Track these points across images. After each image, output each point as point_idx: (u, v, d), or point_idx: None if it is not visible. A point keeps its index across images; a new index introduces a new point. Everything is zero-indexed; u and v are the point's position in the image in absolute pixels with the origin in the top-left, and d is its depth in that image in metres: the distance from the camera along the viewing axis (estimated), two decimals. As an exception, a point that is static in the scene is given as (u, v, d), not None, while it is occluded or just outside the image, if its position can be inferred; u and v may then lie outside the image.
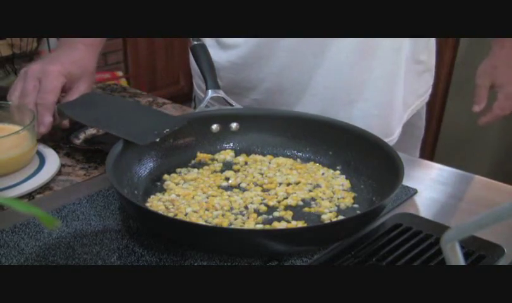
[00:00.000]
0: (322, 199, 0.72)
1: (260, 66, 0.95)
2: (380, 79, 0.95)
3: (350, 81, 0.94)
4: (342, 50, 0.91)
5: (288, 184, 0.75)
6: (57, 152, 0.84)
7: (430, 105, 1.13)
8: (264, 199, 0.72)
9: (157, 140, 0.76)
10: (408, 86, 1.00)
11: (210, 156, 0.82)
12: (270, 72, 0.95)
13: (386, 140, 0.77)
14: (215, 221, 0.66)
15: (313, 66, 0.93)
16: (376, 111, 0.96)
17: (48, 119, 0.81)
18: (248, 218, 0.68)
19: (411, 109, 1.06)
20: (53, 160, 0.81)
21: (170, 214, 0.68)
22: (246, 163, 0.81)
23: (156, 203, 0.70)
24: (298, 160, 0.82)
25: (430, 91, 1.10)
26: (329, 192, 0.73)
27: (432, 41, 1.06)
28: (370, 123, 0.91)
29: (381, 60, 0.94)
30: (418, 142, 1.14)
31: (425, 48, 1.03)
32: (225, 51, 0.97)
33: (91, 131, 0.89)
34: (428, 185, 0.79)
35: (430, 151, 2.33)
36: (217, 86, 0.89)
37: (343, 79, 0.94)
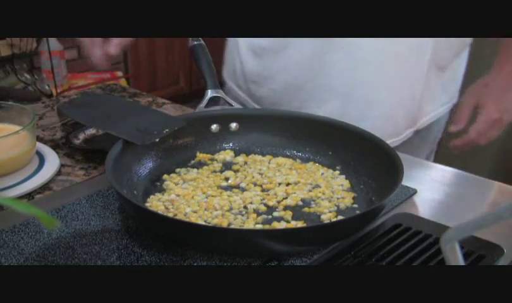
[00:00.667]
0: (322, 199, 0.72)
1: (282, 55, 0.94)
2: (399, 81, 0.92)
3: (369, 79, 0.92)
4: (362, 49, 0.89)
5: (288, 184, 0.75)
6: (57, 152, 0.84)
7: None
8: (264, 199, 0.72)
9: (157, 140, 0.76)
10: (427, 92, 0.97)
11: (209, 156, 0.82)
12: (290, 62, 0.93)
13: (393, 140, 0.75)
14: (214, 221, 0.66)
15: (333, 62, 0.91)
16: (390, 111, 0.94)
17: None
18: (248, 218, 0.68)
19: (431, 116, 1.02)
20: (53, 160, 0.81)
21: (170, 214, 0.68)
22: (245, 163, 0.81)
23: (156, 203, 0.70)
24: (298, 160, 0.82)
25: (454, 101, 1.05)
26: (328, 192, 0.73)
27: (464, 52, 1.03)
28: (382, 123, 0.90)
29: (401, 60, 0.91)
30: (432, 147, 1.10)
31: (452, 57, 0.99)
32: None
33: (91, 131, 0.89)
34: (428, 185, 0.79)
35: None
36: (217, 86, 0.89)
37: (362, 78, 0.92)
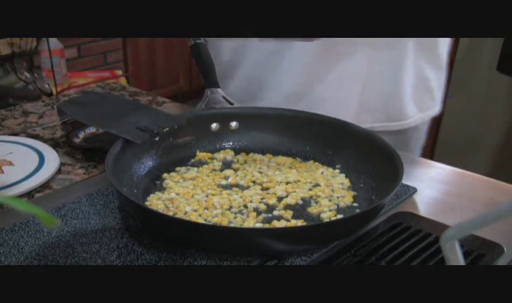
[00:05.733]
0: (322, 198, 0.72)
1: (243, 54, 0.97)
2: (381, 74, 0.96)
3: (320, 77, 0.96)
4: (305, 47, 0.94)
5: (288, 183, 0.75)
6: (57, 151, 0.84)
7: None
8: (263, 197, 0.72)
9: (157, 139, 0.76)
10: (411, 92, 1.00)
11: (209, 155, 0.82)
12: (251, 61, 0.97)
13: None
14: (214, 220, 0.66)
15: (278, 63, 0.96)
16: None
17: None
18: (248, 216, 0.68)
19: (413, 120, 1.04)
20: (53, 159, 0.81)
21: (170, 213, 0.68)
22: (245, 162, 0.80)
23: (155, 202, 0.70)
24: (298, 158, 0.82)
25: (436, 109, 1.09)
26: (328, 190, 0.73)
27: (443, 58, 1.05)
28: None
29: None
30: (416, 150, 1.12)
31: (432, 64, 1.03)
32: None
33: (90, 130, 0.89)
34: (428, 184, 0.79)
35: (429, 150, 2.33)
36: (216, 85, 0.89)
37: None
